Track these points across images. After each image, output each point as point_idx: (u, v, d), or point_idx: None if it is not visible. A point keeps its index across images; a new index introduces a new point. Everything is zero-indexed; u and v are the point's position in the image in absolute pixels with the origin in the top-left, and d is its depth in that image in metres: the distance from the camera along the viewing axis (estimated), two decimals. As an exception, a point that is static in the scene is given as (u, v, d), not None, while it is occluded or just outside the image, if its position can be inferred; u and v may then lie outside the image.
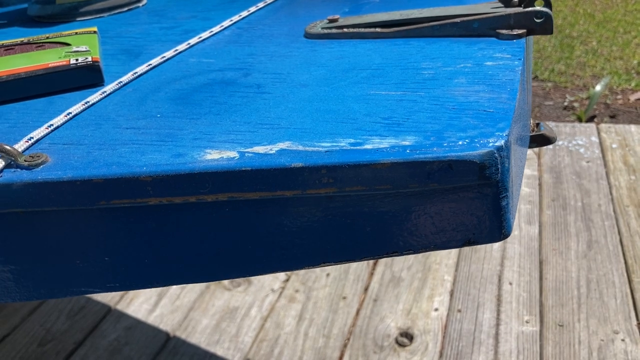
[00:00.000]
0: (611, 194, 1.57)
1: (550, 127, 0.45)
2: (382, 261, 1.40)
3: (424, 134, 0.33)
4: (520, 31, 0.46)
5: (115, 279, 0.37)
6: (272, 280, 1.37)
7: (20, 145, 0.36)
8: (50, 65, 0.46)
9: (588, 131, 1.92)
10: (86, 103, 0.42)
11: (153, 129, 0.38)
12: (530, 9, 0.46)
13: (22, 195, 0.34)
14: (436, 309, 1.24)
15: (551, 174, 1.69)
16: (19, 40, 0.55)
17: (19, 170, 0.34)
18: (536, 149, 1.82)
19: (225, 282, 1.38)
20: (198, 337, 1.22)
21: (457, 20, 0.48)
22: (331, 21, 0.54)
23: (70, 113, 0.41)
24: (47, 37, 0.54)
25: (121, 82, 0.46)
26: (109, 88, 0.45)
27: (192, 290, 1.36)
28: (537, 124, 0.47)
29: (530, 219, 1.50)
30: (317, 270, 1.38)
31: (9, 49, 0.52)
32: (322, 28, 0.53)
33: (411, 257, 1.40)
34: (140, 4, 0.73)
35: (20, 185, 0.33)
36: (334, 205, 0.34)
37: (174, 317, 1.28)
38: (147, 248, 0.36)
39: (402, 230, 0.34)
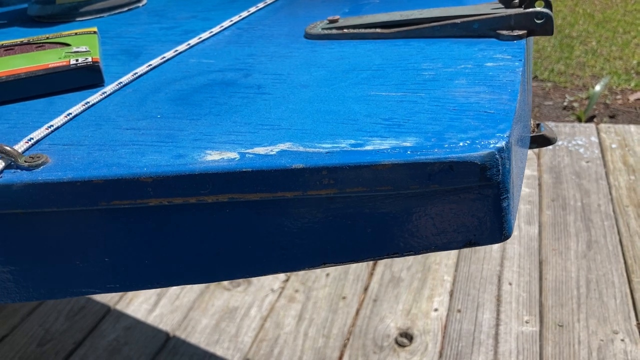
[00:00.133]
0: (611, 194, 1.57)
1: (550, 127, 0.45)
2: (382, 261, 1.40)
3: (425, 135, 0.33)
4: (520, 32, 0.46)
5: (116, 280, 0.37)
6: (272, 280, 1.37)
7: (21, 146, 0.36)
8: (50, 65, 0.46)
9: (588, 131, 1.92)
10: (86, 104, 0.42)
11: (153, 129, 0.38)
12: (530, 10, 0.46)
13: (22, 196, 0.34)
14: (436, 309, 1.24)
15: (551, 174, 1.69)
16: (18, 40, 0.55)
17: (19, 171, 0.34)
18: (536, 149, 1.82)
19: (225, 282, 1.38)
20: (198, 337, 1.22)
21: (458, 21, 0.48)
22: (331, 22, 0.54)
23: (71, 114, 0.40)
24: (47, 38, 0.54)
25: (121, 82, 0.46)
26: (109, 88, 0.45)
27: (191, 290, 1.36)
28: (538, 125, 0.47)
29: (530, 219, 1.50)
30: (317, 270, 1.38)
31: (9, 49, 0.52)
32: (323, 29, 0.53)
33: (411, 257, 1.40)
34: (140, 4, 0.73)
35: (21, 186, 0.33)
36: (335, 206, 0.34)
37: (173, 317, 1.28)
38: (148, 249, 0.36)
39: (403, 232, 0.34)
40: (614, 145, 1.81)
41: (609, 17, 3.17)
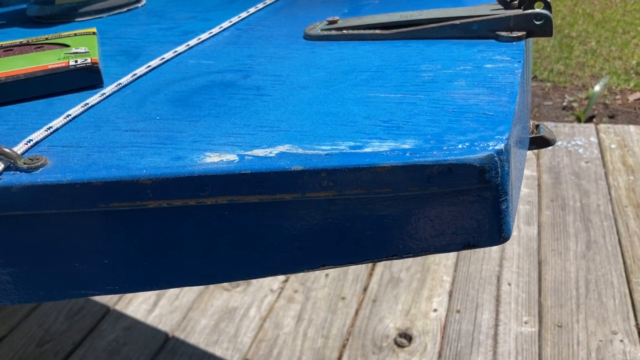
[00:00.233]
0: (610, 194, 1.57)
1: (549, 128, 0.45)
2: (381, 262, 1.40)
3: (424, 137, 0.33)
4: (519, 33, 0.46)
5: (115, 282, 0.37)
6: (271, 281, 1.37)
7: (20, 148, 0.36)
8: (49, 66, 0.46)
9: (587, 131, 1.92)
10: (85, 105, 0.42)
11: (152, 131, 0.37)
12: (529, 11, 0.46)
13: (22, 198, 0.34)
14: (435, 310, 1.24)
15: (550, 174, 1.69)
16: (17, 41, 0.54)
17: (18, 173, 0.34)
18: (535, 149, 1.82)
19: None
20: (197, 337, 1.22)
21: (457, 22, 0.48)
22: (330, 23, 0.54)
23: (70, 115, 0.40)
24: (46, 38, 0.54)
25: (120, 83, 0.46)
26: (108, 90, 0.45)
27: (191, 290, 1.36)
28: (537, 126, 0.47)
29: (529, 219, 1.50)
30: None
31: (8, 50, 0.52)
32: (322, 30, 0.53)
33: (410, 258, 1.40)
34: (139, 5, 0.73)
35: (20, 188, 0.33)
36: (334, 208, 0.34)
37: (172, 318, 1.28)
38: (146, 251, 0.36)
39: (402, 234, 0.34)
40: (613, 146, 1.81)
41: (609, 17, 3.17)
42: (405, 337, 1.19)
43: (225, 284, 1.37)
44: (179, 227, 0.35)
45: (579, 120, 2.05)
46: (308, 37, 0.53)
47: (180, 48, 0.53)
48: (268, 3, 0.67)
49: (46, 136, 0.38)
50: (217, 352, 1.18)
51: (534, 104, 2.23)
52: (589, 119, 2.07)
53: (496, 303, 1.25)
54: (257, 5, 0.66)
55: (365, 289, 1.32)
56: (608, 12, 3.26)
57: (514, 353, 1.13)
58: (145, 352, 1.19)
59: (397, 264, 1.38)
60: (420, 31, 0.49)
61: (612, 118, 2.08)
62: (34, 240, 0.36)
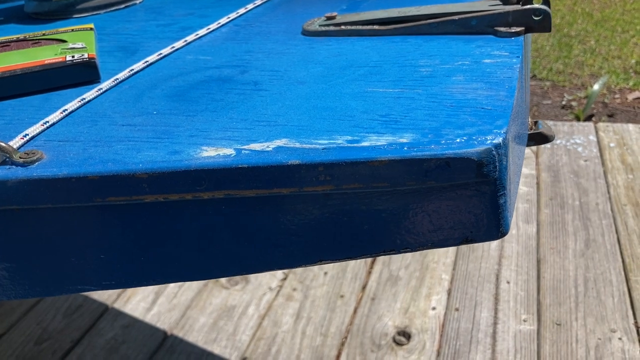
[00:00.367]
0: (609, 192, 1.57)
1: (548, 125, 0.45)
2: (380, 260, 1.40)
3: (422, 131, 0.33)
4: (518, 29, 0.46)
5: (111, 277, 0.37)
6: (270, 279, 1.36)
7: (16, 142, 0.36)
8: (46, 62, 0.46)
9: (586, 130, 1.92)
10: (82, 100, 0.42)
11: (149, 125, 0.37)
12: (528, 6, 0.46)
13: (17, 192, 0.33)
14: (434, 308, 1.24)
15: (549, 172, 1.69)
16: (14, 37, 0.54)
17: (14, 167, 0.34)
18: (534, 148, 1.82)
19: (223, 280, 1.37)
20: (195, 335, 1.22)
21: (455, 17, 0.48)
22: (329, 18, 0.54)
23: (66, 110, 0.40)
24: (44, 34, 0.54)
25: (117, 79, 0.45)
26: (105, 85, 0.44)
27: (189, 288, 1.36)
28: (535, 122, 0.47)
29: (528, 217, 1.50)
30: (315, 268, 1.38)
31: (5, 45, 0.51)
32: (320, 25, 0.53)
33: (409, 255, 1.40)
34: (137, 2, 0.73)
35: (15, 182, 0.33)
36: (331, 202, 0.33)
37: (171, 316, 1.28)
38: (143, 245, 0.36)
39: (400, 228, 0.34)
40: (612, 144, 1.81)
41: (608, 16, 3.17)
42: (404, 335, 1.18)
43: (224, 282, 1.36)
44: (175, 221, 0.35)
45: (578, 119, 2.05)
46: (306, 33, 0.53)
47: (178, 44, 0.53)
48: (266, -1, 0.67)
49: (42, 131, 0.38)
50: (216, 350, 1.18)
51: (533, 102, 2.23)
52: (588, 118, 2.07)
53: (495, 301, 1.25)
54: (255, 2, 0.66)
55: (364, 287, 1.32)
56: (607, 11, 3.26)
57: (512, 351, 1.13)
58: (143, 350, 1.19)
59: (396, 262, 1.38)
60: (418, 27, 0.49)
61: (611, 117, 2.07)
62: (30, 235, 0.36)
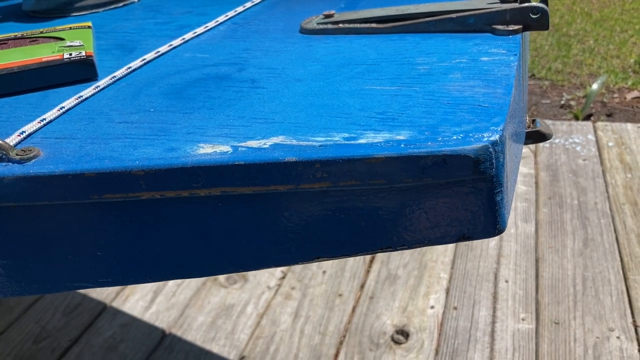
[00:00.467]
0: (607, 192, 1.58)
1: (546, 123, 0.45)
2: (379, 258, 1.40)
3: (419, 128, 0.33)
4: (516, 27, 0.46)
5: (108, 274, 0.37)
6: (268, 278, 1.36)
7: (13, 139, 0.36)
8: (43, 59, 0.46)
9: (585, 129, 1.92)
10: (79, 97, 0.42)
11: (146, 123, 0.37)
12: (526, 4, 0.46)
13: (14, 189, 0.33)
14: (432, 307, 1.24)
15: (547, 172, 1.69)
16: (12, 34, 0.54)
17: (10, 164, 0.34)
18: (532, 147, 1.82)
19: (221, 279, 1.37)
20: (194, 334, 1.22)
21: (453, 15, 0.48)
22: (327, 16, 0.54)
23: (64, 107, 0.40)
24: (41, 32, 0.54)
25: (115, 76, 0.45)
26: (102, 83, 0.44)
27: (188, 287, 1.36)
28: (533, 121, 0.47)
29: (527, 216, 1.50)
30: (314, 267, 1.38)
31: (3, 43, 0.51)
32: (318, 23, 0.53)
33: (407, 254, 1.40)
34: (136, 0, 0.73)
35: (12, 180, 0.33)
36: (328, 200, 0.33)
37: (169, 314, 1.28)
38: (140, 243, 0.36)
39: (396, 225, 0.34)
40: (610, 144, 1.82)
41: (607, 15, 3.17)
42: (402, 334, 1.18)
43: (223, 281, 1.36)
44: (172, 218, 0.35)
45: (576, 118, 2.05)
46: (304, 31, 0.53)
47: (176, 42, 0.53)
48: (264, -3, 0.67)
49: (39, 128, 0.38)
50: (214, 349, 1.18)
51: (531, 102, 2.23)
52: (587, 117, 2.07)
53: (493, 300, 1.25)
54: (254, 0, 0.66)
55: (362, 286, 1.32)
56: (606, 10, 3.26)
57: (511, 350, 1.13)
58: (142, 349, 1.19)
59: (395, 261, 1.38)
60: (416, 25, 0.49)
61: (609, 116, 2.08)
62: (27, 232, 0.36)
